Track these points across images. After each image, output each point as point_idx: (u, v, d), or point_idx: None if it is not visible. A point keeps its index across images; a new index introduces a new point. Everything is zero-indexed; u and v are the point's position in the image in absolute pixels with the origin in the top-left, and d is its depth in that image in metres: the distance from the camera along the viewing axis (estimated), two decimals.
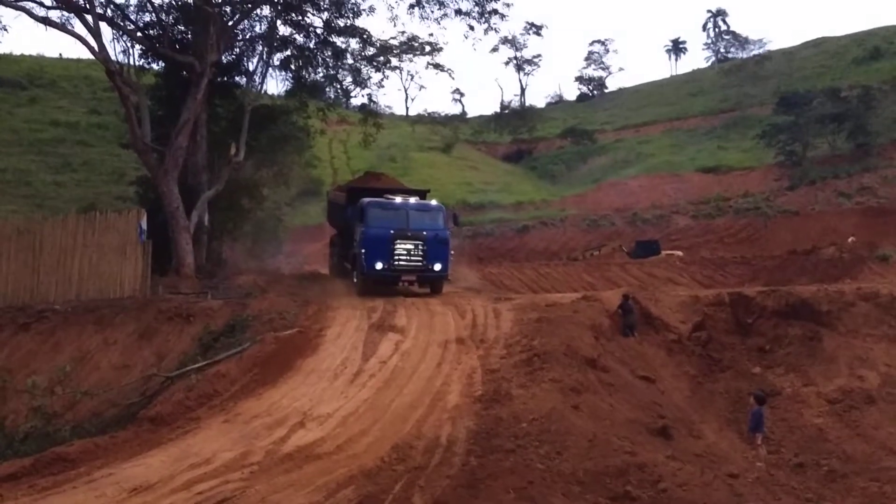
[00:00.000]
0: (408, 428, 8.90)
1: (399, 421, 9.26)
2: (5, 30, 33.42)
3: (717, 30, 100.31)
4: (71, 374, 13.68)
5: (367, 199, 19.79)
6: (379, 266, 18.58)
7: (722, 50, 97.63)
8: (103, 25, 21.97)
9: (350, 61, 28.88)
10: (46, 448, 9.08)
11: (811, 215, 44.30)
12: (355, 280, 19.63)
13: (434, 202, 20.72)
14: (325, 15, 26.69)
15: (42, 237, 18.70)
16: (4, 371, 14.76)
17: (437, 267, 19.07)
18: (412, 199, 20.30)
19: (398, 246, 18.68)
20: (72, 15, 22.53)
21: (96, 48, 21.18)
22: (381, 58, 29.52)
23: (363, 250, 18.73)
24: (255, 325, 14.39)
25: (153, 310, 16.80)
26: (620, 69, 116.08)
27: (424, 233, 19.00)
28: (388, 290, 18.78)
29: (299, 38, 27.68)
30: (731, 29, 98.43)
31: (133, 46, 24.25)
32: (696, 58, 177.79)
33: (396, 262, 18.72)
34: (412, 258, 18.85)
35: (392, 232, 18.70)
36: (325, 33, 27.29)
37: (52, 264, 18.51)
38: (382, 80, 44.10)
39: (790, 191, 49.19)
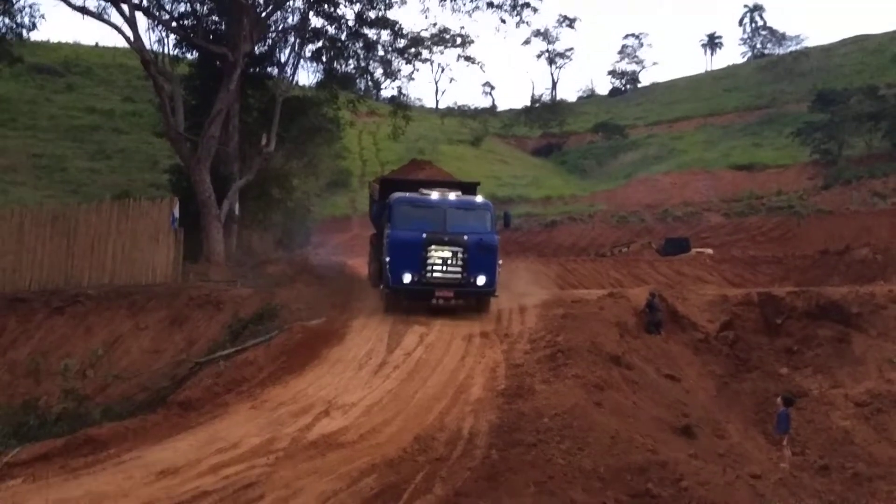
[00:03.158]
0: (430, 419, 8.96)
1: (422, 412, 9.32)
2: (43, 17, 34.10)
3: (753, 25, 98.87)
4: (103, 358, 14.02)
5: (395, 195, 16.29)
6: (407, 278, 15.21)
7: (758, 46, 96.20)
8: (139, 15, 22.29)
9: (381, 53, 29.07)
10: (78, 429, 9.29)
11: (845, 215, 43.35)
12: (381, 293, 16.49)
13: (480, 198, 16.92)
14: (357, 6, 26.92)
15: (77, 223, 19.07)
16: (38, 353, 15.17)
17: (481, 280, 15.41)
18: (452, 195, 16.34)
19: (432, 253, 15.24)
20: (108, 4, 22.87)
21: (132, 37, 21.49)
22: (412, 50, 29.57)
23: (388, 258, 15.47)
24: (283, 314, 14.60)
25: (184, 296, 17.09)
26: (654, 63, 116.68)
27: (465, 237, 15.42)
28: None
29: (331, 30, 27.89)
30: (768, 24, 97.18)
31: (168, 36, 24.60)
32: (732, 53, 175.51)
33: (429, 274, 15.28)
34: (449, 269, 15.32)
35: (425, 236, 15.26)
36: (357, 25, 27.46)
37: (86, 250, 18.88)
38: (413, 72, 44.39)
39: (825, 190, 48.18)
